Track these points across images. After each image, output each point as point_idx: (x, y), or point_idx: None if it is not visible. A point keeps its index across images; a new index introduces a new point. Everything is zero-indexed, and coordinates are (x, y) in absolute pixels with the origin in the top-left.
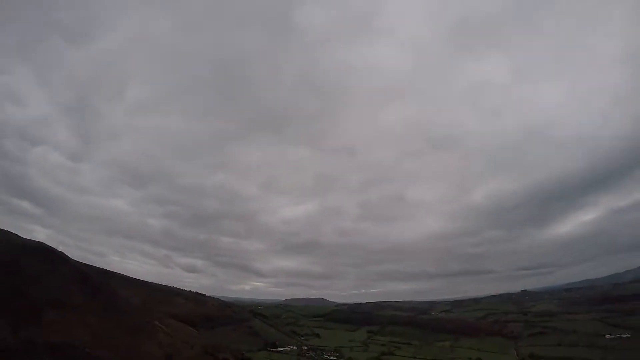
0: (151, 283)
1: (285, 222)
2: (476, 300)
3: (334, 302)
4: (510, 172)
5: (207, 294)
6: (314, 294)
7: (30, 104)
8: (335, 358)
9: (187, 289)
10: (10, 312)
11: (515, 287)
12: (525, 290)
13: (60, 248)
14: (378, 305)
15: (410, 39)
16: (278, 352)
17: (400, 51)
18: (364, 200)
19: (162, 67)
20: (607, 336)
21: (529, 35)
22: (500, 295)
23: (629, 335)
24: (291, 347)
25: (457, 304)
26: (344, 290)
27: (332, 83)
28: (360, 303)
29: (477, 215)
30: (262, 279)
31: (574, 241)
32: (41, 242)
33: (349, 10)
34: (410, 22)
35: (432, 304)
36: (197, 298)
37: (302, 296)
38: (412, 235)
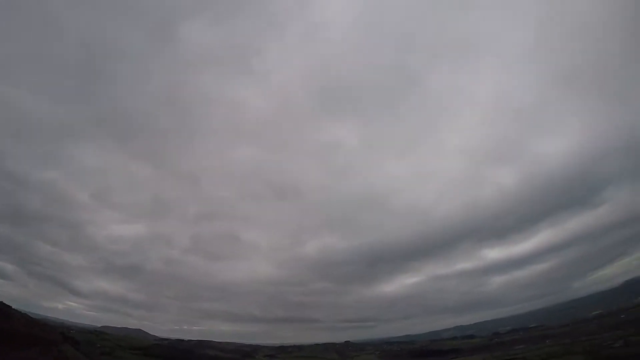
0: None
1: (112, 240)
2: (300, 348)
3: (154, 335)
4: (345, 231)
5: (13, 306)
6: (132, 323)
7: None
8: None
9: None
10: None
11: (339, 337)
12: (348, 341)
13: None
14: (201, 343)
15: (280, 88)
16: None
17: (267, 96)
18: (197, 232)
19: (33, 34)
20: None
21: (385, 113)
22: (325, 344)
23: None
24: None
25: (282, 349)
26: (164, 324)
27: (196, 107)
28: (182, 340)
29: (308, 266)
30: (79, 299)
31: (397, 300)
32: None
33: (234, 40)
34: (286, 71)
35: (256, 348)
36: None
37: (120, 324)
38: (241, 276)
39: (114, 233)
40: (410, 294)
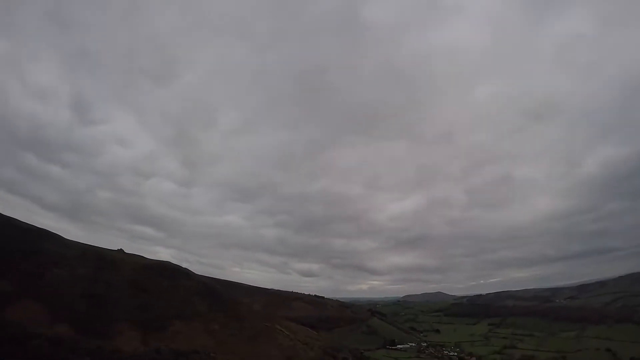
0: (270, 289)
1: (393, 219)
2: (602, 284)
3: (453, 295)
4: (620, 135)
5: (325, 296)
6: (431, 288)
7: (135, 144)
8: (456, 354)
9: (305, 293)
10: (140, 325)
11: None
12: None
13: (184, 265)
14: (498, 295)
15: (482, 11)
16: (397, 349)
17: (475, 27)
18: (469, 187)
19: (246, 90)
20: None
21: None
22: (630, 276)
23: None
24: (410, 344)
25: (582, 288)
26: (461, 283)
27: (413, 71)
28: (480, 294)
29: (592, 188)
30: (378, 277)
31: None
32: (167, 261)
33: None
34: None
35: (555, 291)
36: (315, 301)
37: (420, 292)
38: (525, 218)
39: (392, 212)
40: None
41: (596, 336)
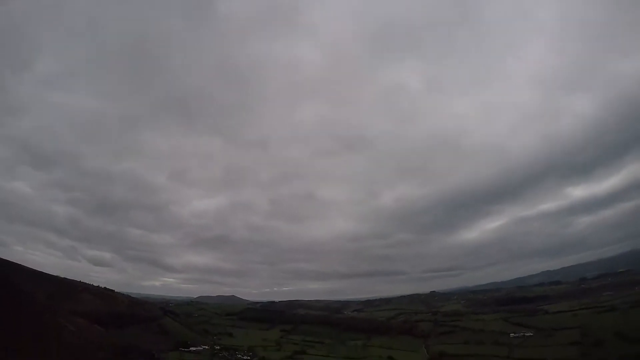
0: (56, 277)
1: (195, 215)
2: (387, 300)
3: (247, 300)
4: (420, 178)
5: (116, 290)
6: (226, 291)
7: None
8: (249, 358)
9: (95, 284)
10: None
11: (424, 288)
12: (434, 291)
13: None
14: (291, 303)
15: (332, 38)
16: (190, 352)
17: (320, 50)
18: (274, 196)
19: (75, 39)
20: (512, 334)
21: (446, 49)
22: (410, 296)
23: (531, 334)
24: (204, 346)
25: (369, 303)
26: (256, 288)
27: (251, 75)
28: (273, 301)
29: (387, 218)
30: (173, 274)
31: (480, 246)
32: None
33: (273, 3)
34: (334, 21)
35: (344, 304)
36: (105, 294)
37: (214, 294)
38: (323, 234)
39: (196, 209)
40: (493, 240)
41: (380, 345)
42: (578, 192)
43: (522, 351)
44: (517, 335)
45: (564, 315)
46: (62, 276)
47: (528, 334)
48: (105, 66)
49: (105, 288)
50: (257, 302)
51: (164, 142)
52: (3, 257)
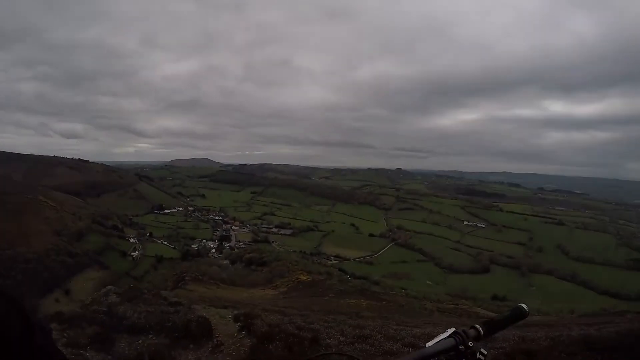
0: (30, 155)
1: (166, 79)
2: (354, 171)
3: (219, 162)
4: (402, 58)
5: (90, 160)
6: (199, 154)
7: None
8: (220, 218)
9: (69, 157)
10: None
11: (391, 164)
12: (400, 168)
13: None
14: (262, 167)
15: None
16: (165, 214)
17: None
18: (249, 61)
19: None
20: (466, 222)
21: None
22: (377, 170)
23: (483, 226)
24: (178, 208)
25: (336, 172)
26: (228, 151)
27: None
28: (245, 164)
29: (363, 92)
30: (146, 139)
31: (451, 135)
32: None
33: None
34: None
35: (313, 170)
36: (80, 165)
37: (187, 157)
38: (297, 102)
39: (167, 73)
40: (465, 131)
41: (344, 212)
42: (556, 107)
43: (472, 239)
44: (470, 224)
45: (515, 216)
46: (36, 153)
47: (480, 225)
48: None
49: (79, 159)
50: (229, 165)
51: (133, 3)
52: None
